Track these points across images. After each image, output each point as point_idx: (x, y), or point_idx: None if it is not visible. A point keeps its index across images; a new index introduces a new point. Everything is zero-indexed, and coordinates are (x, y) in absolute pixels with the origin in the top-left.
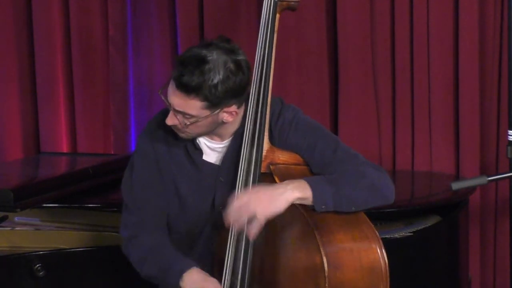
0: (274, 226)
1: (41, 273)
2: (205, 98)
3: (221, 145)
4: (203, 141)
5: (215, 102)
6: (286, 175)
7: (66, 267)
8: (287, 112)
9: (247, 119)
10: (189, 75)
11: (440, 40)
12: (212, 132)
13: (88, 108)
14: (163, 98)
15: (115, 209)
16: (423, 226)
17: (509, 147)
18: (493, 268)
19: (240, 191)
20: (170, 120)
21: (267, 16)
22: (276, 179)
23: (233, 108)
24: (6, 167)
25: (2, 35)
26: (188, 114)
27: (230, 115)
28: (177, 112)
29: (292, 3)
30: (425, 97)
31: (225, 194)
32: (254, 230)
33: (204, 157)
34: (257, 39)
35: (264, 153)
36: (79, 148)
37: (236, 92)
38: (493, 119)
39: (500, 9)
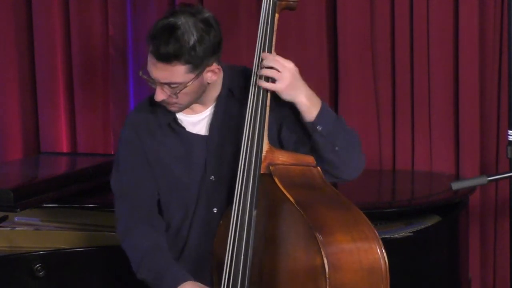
0: (274, 227)
1: (41, 273)
2: (187, 61)
3: (203, 116)
4: (185, 119)
5: (197, 63)
6: (286, 176)
7: (66, 267)
8: None
9: (246, 120)
10: (165, 45)
11: (440, 40)
12: (199, 98)
13: (88, 108)
14: (145, 77)
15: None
16: (423, 226)
17: (509, 147)
18: (493, 268)
19: (239, 193)
20: (159, 96)
21: (266, 15)
22: (276, 180)
23: (215, 66)
24: (6, 167)
25: (2, 35)
26: (175, 83)
27: (213, 74)
28: (163, 85)
29: (291, 2)
30: (425, 97)
31: (215, 162)
32: (264, 84)
33: (189, 131)
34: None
35: (263, 153)
36: (79, 148)
37: (213, 49)
38: (493, 119)
39: (500, 9)
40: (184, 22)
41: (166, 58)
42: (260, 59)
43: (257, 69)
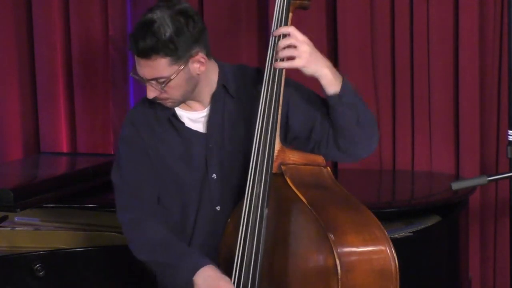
0: (285, 227)
1: (41, 273)
2: (166, 54)
3: (202, 114)
4: (185, 115)
5: (178, 54)
6: (298, 175)
7: (66, 267)
8: None
9: (258, 119)
10: (142, 40)
11: (440, 40)
12: (193, 93)
13: (88, 108)
14: (136, 77)
15: (115, 209)
16: (423, 226)
17: (509, 147)
18: (493, 268)
19: (250, 192)
20: (150, 93)
21: (280, 15)
22: (288, 179)
23: (200, 55)
24: (6, 167)
25: (2, 35)
26: (161, 77)
27: (201, 64)
28: (150, 81)
29: (305, 2)
30: (425, 97)
31: (216, 160)
32: (283, 64)
33: (188, 126)
34: (259, 40)
35: (275, 153)
36: (79, 148)
37: (193, 39)
38: (493, 119)
39: (500, 9)
40: (160, 16)
41: (145, 53)
42: (273, 39)
43: (268, 75)
